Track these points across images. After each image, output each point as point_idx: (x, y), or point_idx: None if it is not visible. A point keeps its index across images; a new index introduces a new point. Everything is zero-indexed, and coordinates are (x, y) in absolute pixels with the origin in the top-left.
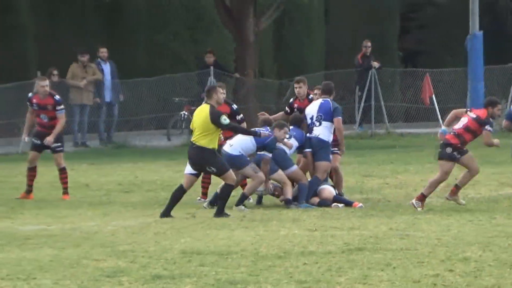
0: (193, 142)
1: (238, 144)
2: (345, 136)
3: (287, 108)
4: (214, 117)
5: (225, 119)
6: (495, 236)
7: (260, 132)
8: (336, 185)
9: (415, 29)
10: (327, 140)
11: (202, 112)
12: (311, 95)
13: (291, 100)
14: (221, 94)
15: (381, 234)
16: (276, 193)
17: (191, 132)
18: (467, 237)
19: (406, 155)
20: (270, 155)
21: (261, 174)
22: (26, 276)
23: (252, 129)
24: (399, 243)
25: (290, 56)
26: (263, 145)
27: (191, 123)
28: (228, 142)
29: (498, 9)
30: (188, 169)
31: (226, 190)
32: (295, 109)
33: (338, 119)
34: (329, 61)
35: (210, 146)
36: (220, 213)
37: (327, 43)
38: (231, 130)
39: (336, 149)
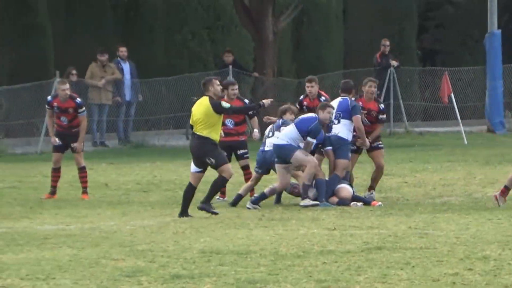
0: (195, 133)
1: (284, 135)
2: None
3: (297, 105)
4: (216, 106)
5: (225, 104)
6: None
7: (263, 103)
8: (373, 180)
9: (434, 28)
10: (346, 138)
11: (201, 105)
12: (323, 97)
13: (301, 97)
14: (217, 86)
15: (400, 233)
16: (296, 190)
17: (191, 127)
18: (486, 235)
19: (424, 154)
20: (314, 141)
21: (312, 158)
22: (45, 276)
23: (255, 103)
24: (418, 242)
25: (308, 55)
26: (307, 131)
27: (190, 117)
28: (276, 135)
29: None
30: (193, 167)
31: (220, 182)
32: (304, 107)
33: (357, 117)
34: (347, 60)
35: (212, 137)
36: (206, 203)
37: (345, 43)
38: (236, 112)
39: (380, 143)
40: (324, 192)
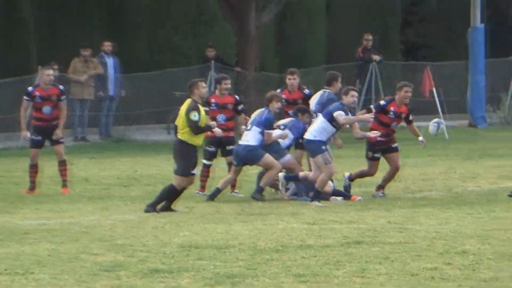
0: (177, 136)
1: (313, 129)
2: (346, 129)
3: None
4: (187, 110)
5: (194, 116)
6: (494, 229)
7: (215, 127)
8: (385, 180)
9: (417, 23)
10: None
11: (183, 108)
12: (306, 90)
13: (279, 90)
14: (203, 88)
15: (380, 227)
16: (277, 183)
17: (175, 128)
18: (465, 230)
19: (405, 148)
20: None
21: (330, 166)
22: (24, 270)
23: (207, 125)
24: (397, 236)
25: (291, 50)
26: (330, 111)
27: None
28: (256, 129)
29: (499, 1)
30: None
31: (170, 191)
32: (283, 100)
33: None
34: (330, 54)
35: (191, 141)
36: (152, 206)
37: (328, 37)
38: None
39: (396, 144)
40: (304, 186)
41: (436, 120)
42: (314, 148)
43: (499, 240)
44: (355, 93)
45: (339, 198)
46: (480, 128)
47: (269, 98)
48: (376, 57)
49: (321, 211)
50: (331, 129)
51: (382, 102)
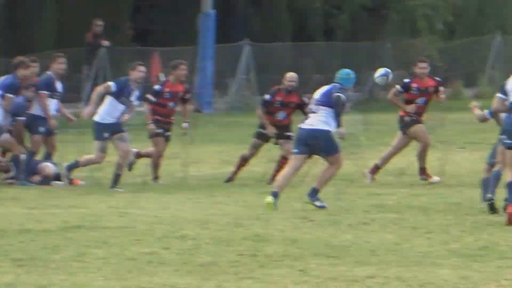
0: None
1: (101, 111)
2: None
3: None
4: None
5: None
6: (213, 214)
7: None
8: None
9: (149, 8)
10: (38, 114)
11: None
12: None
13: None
14: None
15: (100, 212)
16: (3, 164)
17: None
18: (185, 214)
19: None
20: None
21: (102, 156)
22: None
23: None
24: (117, 221)
25: (19, 34)
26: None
27: None
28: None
29: None
30: None
31: None
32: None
33: (39, 94)
34: (61, 39)
35: None
36: None
37: (59, 22)
38: None
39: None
40: (22, 170)
41: (383, 72)
42: (97, 132)
43: (218, 224)
44: (142, 68)
45: (61, 183)
46: (206, 113)
47: (17, 64)
48: (105, 43)
49: (42, 195)
50: (119, 105)
51: (156, 87)
